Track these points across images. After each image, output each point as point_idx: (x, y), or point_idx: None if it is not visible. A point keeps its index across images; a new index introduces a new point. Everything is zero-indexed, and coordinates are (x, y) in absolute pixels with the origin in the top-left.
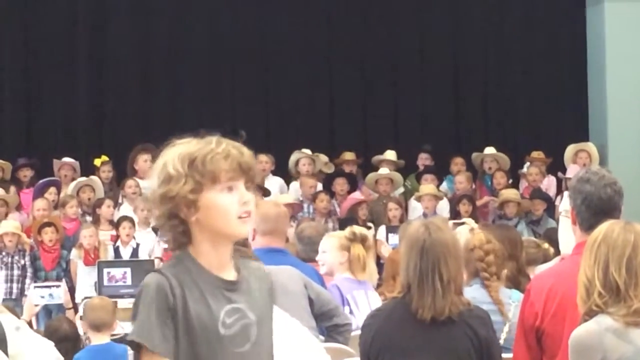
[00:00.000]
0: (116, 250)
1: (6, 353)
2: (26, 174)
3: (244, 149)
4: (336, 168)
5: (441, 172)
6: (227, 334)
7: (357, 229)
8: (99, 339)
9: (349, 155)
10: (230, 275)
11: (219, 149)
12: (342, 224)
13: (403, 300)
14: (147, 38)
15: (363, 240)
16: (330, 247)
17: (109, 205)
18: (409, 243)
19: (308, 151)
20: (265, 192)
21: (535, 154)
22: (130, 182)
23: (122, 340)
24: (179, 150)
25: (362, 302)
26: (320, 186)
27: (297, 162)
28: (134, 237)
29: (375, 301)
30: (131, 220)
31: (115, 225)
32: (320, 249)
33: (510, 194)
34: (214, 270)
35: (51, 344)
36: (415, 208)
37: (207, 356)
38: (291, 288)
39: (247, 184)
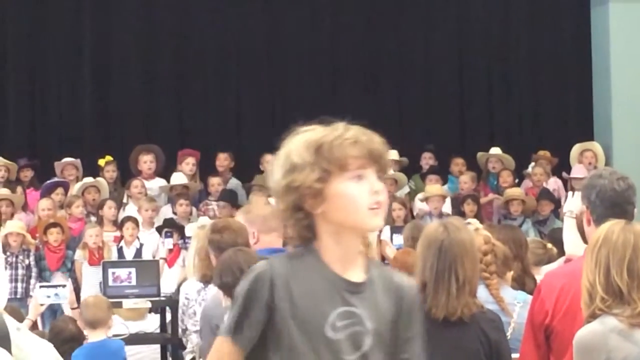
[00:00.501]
0: (120, 251)
1: (9, 351)
2: (27, 174)
3: (374, 136)
4: None
5: (445, 172)
6: (333, 337)
7: None
8: (95, 336)
9: None
10: (356, 276)
11: (347, 134)
12: None
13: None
14: (153, 38)
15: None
16: None
17: (110, 207)
18: (426, 242)
19: None
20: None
21: (542, 153)
22: (136, 182)
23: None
24: (304, 138)
25: None
26: None
27: None
28: (137, 238)
29: None
30: (135, 221)
31: (119, 225)
32: None
33: (514, 191)
34: (337, 268)
35: (51, 345)
36: (420, 208)
37: (305, 353)
38: None
39: (379, 173)
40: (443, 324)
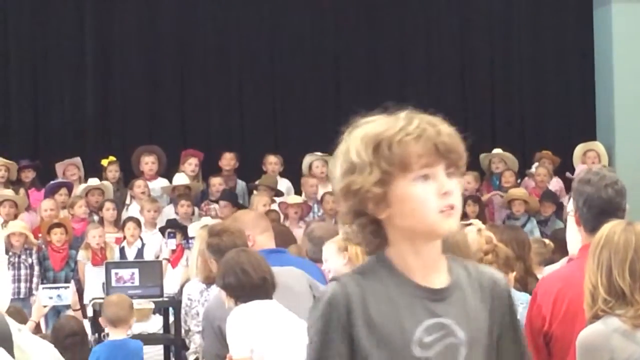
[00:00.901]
0: (121, 251)
1: (11, 353)
2: (28, 175)
3: (442, 126)
4: None
5: None
6: (424, 356)
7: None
8: (116, 334)
9: None
10: (438, 281)
11: (410, 127)
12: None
13: None
14: (155, 39)
15: None
16: (331, 253)
17: (109, 208)
18: None
19: (320, 153)
20: (277, 194)
21: (545, 152)
22: (139, 183)
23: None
24: (364, 132)
25: None
26: (328, 186)
27: (310, 165)
28: (140, 238)
29: None
30: (136, 221)
31: (122, 226)
32: (323, 258)
33: (517, 191)
34: (416, 277)
35: (52, 346)
36: None
37: None
38: (297, 289)
39: (450, 169)
40: None
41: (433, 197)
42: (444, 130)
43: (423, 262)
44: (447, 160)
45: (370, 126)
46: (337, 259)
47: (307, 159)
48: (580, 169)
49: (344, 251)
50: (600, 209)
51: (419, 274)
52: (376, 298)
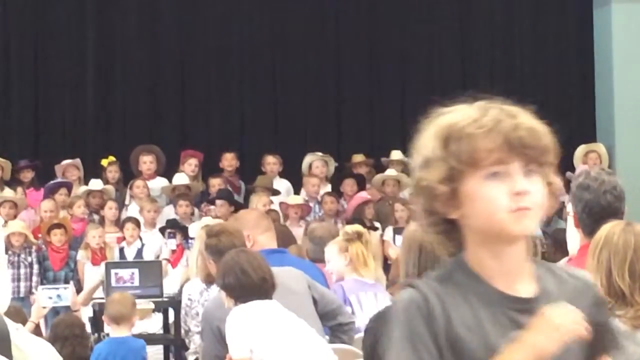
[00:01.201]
0: (121, 251)
1: (10, 352)
2: (27, 175)
3: (524, 118)
4: (346, 170)
5: None
6: None
7: (350, 228)
8: (118, 332)
9: (359, 158)
10: (525, 289)
11: (484, 119)
12: (349, 224)
13: None
14: (155, 39)
15: (359, 236)
16: (333, 254)
17: (111, 207)
18: (407, 244)
19: (320, 154)
20: (275, 194)
21: None
22: (138, 183)
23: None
24: (438, 123)
25: (369, 304)
26: (327, 186)
27: (310, 165)
28: (139, 238)
29: (385, 303)
30: (136, 221)
31: (121, 226)
32: (326, 259)
33: None
34: (499, 284)
35: (50, 345)
36: None
37: None
38: (296, 289)
39: (530, 166)
40: None
41: (503, 197)
42: (524, 123)
43: (504, 268)
44: (524, 156)
45: (446, 117)
46: (338, 259)
47: (307, 159)
48: (580, 169)
49: (345, 252)
50: (599, 215)
51: (500, 281)
52: (457, 308)
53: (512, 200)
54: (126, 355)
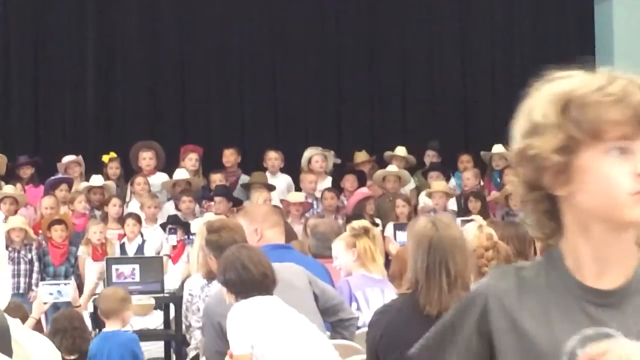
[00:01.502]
0: (122, 247)
1: (10, 347)
2: (26, 171)
3: None
4: (347, 166)
5: (449, 169)
6: None
7: (356, 224)
8: (109, 327)
9: (361, 156)
10: (610, 281)
11: (610, 88)
12: (349, 220)
13: (411, 297)
14: (156, 38)
15: (366, 231)
16: (340, 250)
17: (115, 204)
18: (416, 239)
19: (320, 148)
20: (270, 187)
21: None
22: (139, 180)
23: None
24: (553, 88)
25: (375, 300)
26: (326, 182)
27: (309, 159)
28: (141, 234)
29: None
30: (136, 217)
31: (122, 222)
32: (333, 255)
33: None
34: (586, 275)
35: (48, 340)
36: (424, 204)
37: None
38: (296, 284)
39: None
40: (435, 320)
41: (625, 176)
42: None
43: (601, 255)
44: None
45: (563, 82)
46: (346, 255)
47: (307, 153)
48: None
49: (352, 247)
50: None
51: (591, 272)
52: (531, 299)
53: (635, 181)
54: (114, 349)
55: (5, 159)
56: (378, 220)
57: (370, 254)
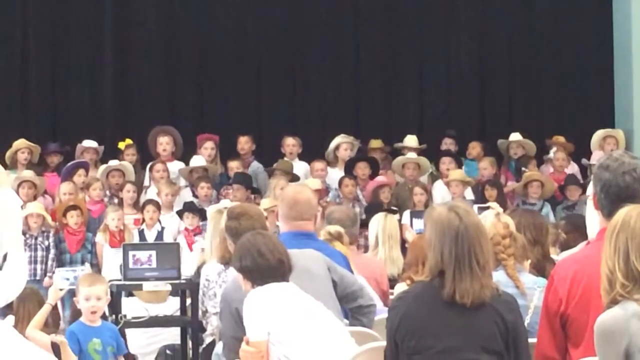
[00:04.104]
0: (141, 233)
1: None
2: (53, 159)
3: None
4: (360, 153)
5: (462, 156)
6: None
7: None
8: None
9: (376, 143)
10: None
11: None
12: (367, 211)
13: (431, 284)
14: (173, 21)
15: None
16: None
17: (129, 190)
18: (440, 229)
19: (348, 137)
20: (293, 178)
21: (556, 138)
22: (158, 167)
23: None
24: None
25: None
26: (336, 171)
27: (337, 147)
28: (159, 221)
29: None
30: (156, 204)
31: (141, 208)
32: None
33: (534, 174)
34: None
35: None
36: (440, 192)
37: None
38: (315, 271)
39: None
40: (459, 308)
41: None
42: None
43: None
44: None
45: None
46: None
47: (335, 142)
48: (597, 155)
49: None
50: (617, 195)
51: None
52: None
53: None
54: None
55: (39, 148)
56: (396, 208)
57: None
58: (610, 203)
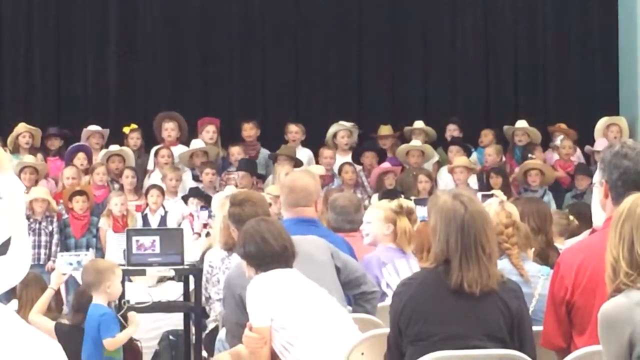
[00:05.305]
0: (144, 218)
1: None
2: (54, 143)
3: None
4: (369, 141)
5: (471, 143)
6: None
7: (404, 202)
8: (95, 300)
9: (385, 130)
10: None
11: None
12: (383, 197)
13: (435, 271)
14: (178, 5)
15: (409, 213)
16: (376, 219)
17: (127, 176)
18: (445, 217)
19: (346, 123)
20: (297, 163)
21: (559, 125)
22: (163, 152)
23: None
24: None
25: (404, 271)
26: (347, 157)
27: (334, 134)
28: (162, 206)
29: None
30: (160, 189)
31: (145, 193)
32: (365, 219)
33: (533, 162)
34: None
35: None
36: (445, 179)
37: None
38: (318, 258)
39: None
40: (463, 295)
41: None
42: None
43: None
44: None
45: None
46: (380, 225)
47: (332, 129)
48: (601, 142)
49: (389, 222)
50: (636, 183)
51: None
52: None
53: None
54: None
55: (39, 132)
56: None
57: (408, 236)
58: (626, 191)
